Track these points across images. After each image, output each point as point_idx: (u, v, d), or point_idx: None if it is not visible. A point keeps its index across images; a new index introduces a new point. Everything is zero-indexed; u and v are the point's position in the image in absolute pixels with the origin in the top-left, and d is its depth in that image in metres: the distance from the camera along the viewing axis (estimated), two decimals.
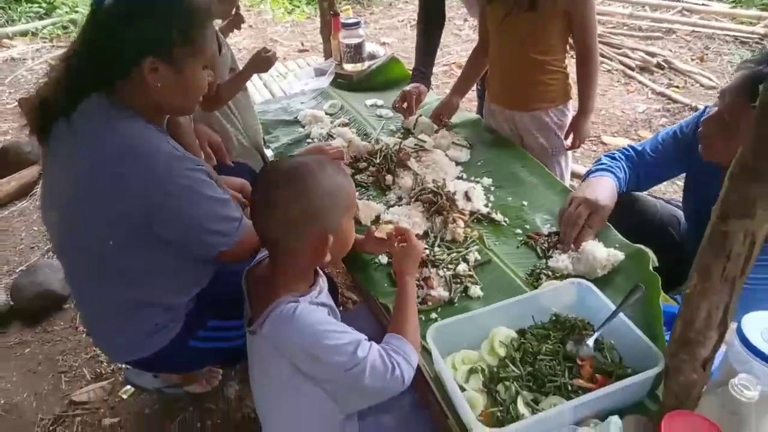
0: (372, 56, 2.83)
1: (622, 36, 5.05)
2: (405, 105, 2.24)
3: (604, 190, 1.59)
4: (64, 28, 5.59)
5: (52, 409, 2.01)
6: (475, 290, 1.45)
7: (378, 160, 1.97)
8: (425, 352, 1.25)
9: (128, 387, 2.04)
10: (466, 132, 2.18)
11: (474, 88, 2.59)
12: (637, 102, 4.05)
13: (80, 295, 1.50)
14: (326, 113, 2.43)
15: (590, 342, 1.17)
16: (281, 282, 1.15)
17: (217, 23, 2.14)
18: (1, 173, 3.29)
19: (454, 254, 1.56)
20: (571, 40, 1.97)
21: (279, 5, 6.11)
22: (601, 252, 1.43)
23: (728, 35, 4.96)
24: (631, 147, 1.75)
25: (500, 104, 2.16)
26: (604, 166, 1.69)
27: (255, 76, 2.52)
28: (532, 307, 1.29)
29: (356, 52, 2.71)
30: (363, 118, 2.39)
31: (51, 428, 1.95)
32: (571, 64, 2.00)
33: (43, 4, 5.78)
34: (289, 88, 2.85)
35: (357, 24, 2.68)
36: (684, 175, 1.74)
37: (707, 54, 4.72)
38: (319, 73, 2.84)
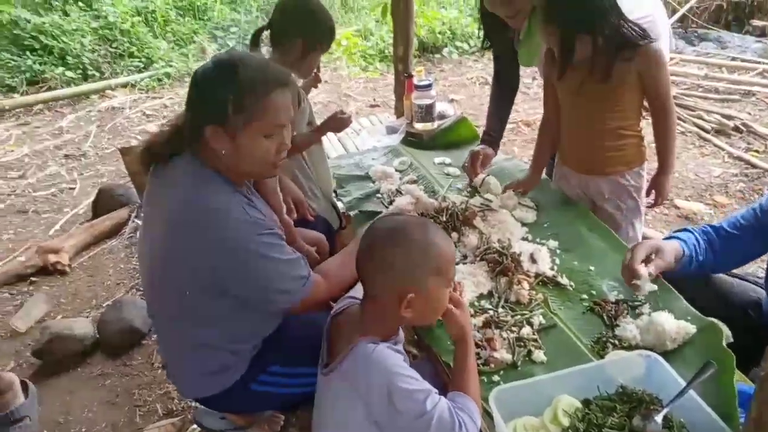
0: (442, 116, 2.93)
1: (697, 98, 4.95)
2: (471, 166, 2.30)
3: (667, 243, 1.57)
4: (159, 80, 6.10)
5: None
6: (539, 355, 1.44)
7: (444, 218, 2.01)
8: (486, 414, 1.26)
9: (195, 426, 2.13)
10: (533, 193, 2.20)
11: None
12: (713, 166, 3.93)
13: (158, 328, 1.63)
14: (396, 170, 2.52)
15: (659, 418, 1.14)
16: (364, 328, 1.23)
17: (299, 81, 2.31)
18: (96, 213, 3.59)
19: (518, 316, 1.57)
20: (646, 103, 1.95)
21: (354, 63, 6.44)
22: (671, 324, 1.40)
23: None
24: (708, 224, 1.69)
25: (573, 168, 2.14)
26: (673, 236, 1.66)
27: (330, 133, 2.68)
28: (597, 377, 1.27)
29: (427, 113, 2.81)
30: (431, 176, 2.46)
31: None
32: (646, 125, 1.99)
33: (143, 59, 6.35)
34: (362, 144, 2.98)
35: (429, 86, 2.80)
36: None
37: None
38: (391, 130, 2.96)
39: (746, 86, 5.08)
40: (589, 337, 1.49)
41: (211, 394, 1.61)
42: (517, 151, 4.18)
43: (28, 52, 5.93)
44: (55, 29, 6.06)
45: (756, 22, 6.93)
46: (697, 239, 1.64)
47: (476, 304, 1.64)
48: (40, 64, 5.89)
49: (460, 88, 5.78)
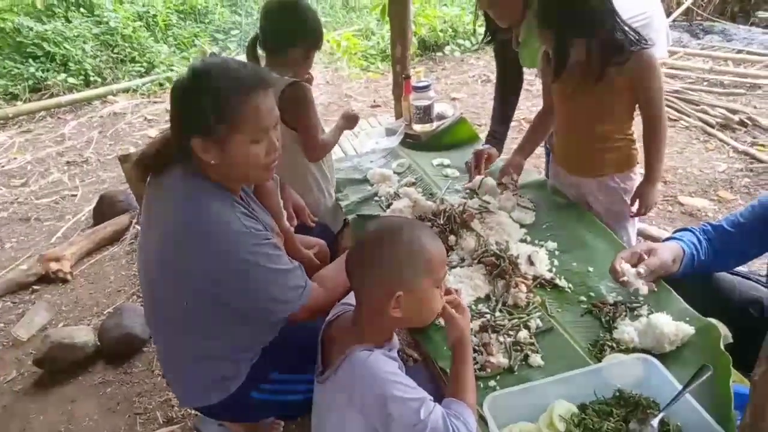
0: (440, 116, 2.91)
1: (702, 92, 4.90)
2: (475, 165, 2.29)
3: (665, 244, 1.55)
4: (161, 85, 6.12)
5: None
6: (536, 359, 1.43)
7: (442, 221, 2.00)
8: (481, 420, 1.24)
9: None
10: (532, 194, 2.18)
11: (543, 144, 2.60)
12: (717, 161, 3.89)
13: (157, 336, 1.62)
14: (394, 172, 2.51)
15: (655, 423, 1.13)
16: (358, 334, 1.22)
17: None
18: (98, 219, 3.61)
19: (516, 320, 1.55)
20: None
21: (355, 64, 6.43)
22: (670, 326, 1.38)
23: None
24: (708, 223, 1.67)
25: (565, 168, 2.16)
26: (672, 236, 1.64)
27: None
28: (594, 381, 1.26)
29: (425, 114, 2.79)
30: (429, 178, 2.45)
31: None
32: (637, 129, 1.98)
33: (144, 64, 6.38)
34: (360, 147, 2.97)
35: (427, 87, 2.78)
36: None
37: None
38: (390, 132, 2.94)
39: (752, 79, 5.02)
40: (587, 340, 1.48)
41: (211, 404, 1.60)
42: None
43: (30, 60, 5.99)
44: (58, 36, 6.11)
45: (762, 14, 6.86)
46: (697, 238, 1.62)
47: (473, 308, 1.62)
48: (43, 71, 5.94)
49: (462, 86, 5.76)
